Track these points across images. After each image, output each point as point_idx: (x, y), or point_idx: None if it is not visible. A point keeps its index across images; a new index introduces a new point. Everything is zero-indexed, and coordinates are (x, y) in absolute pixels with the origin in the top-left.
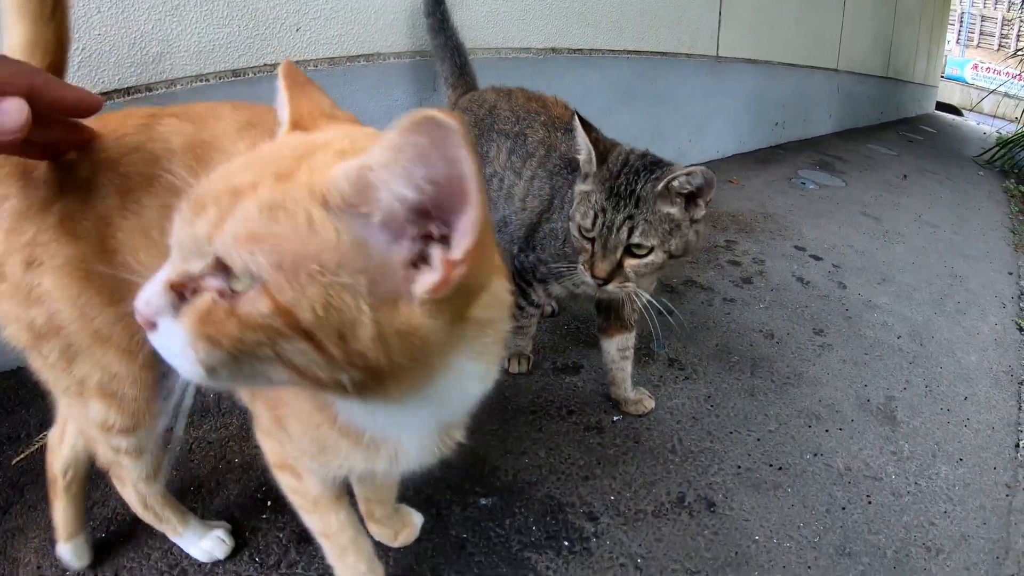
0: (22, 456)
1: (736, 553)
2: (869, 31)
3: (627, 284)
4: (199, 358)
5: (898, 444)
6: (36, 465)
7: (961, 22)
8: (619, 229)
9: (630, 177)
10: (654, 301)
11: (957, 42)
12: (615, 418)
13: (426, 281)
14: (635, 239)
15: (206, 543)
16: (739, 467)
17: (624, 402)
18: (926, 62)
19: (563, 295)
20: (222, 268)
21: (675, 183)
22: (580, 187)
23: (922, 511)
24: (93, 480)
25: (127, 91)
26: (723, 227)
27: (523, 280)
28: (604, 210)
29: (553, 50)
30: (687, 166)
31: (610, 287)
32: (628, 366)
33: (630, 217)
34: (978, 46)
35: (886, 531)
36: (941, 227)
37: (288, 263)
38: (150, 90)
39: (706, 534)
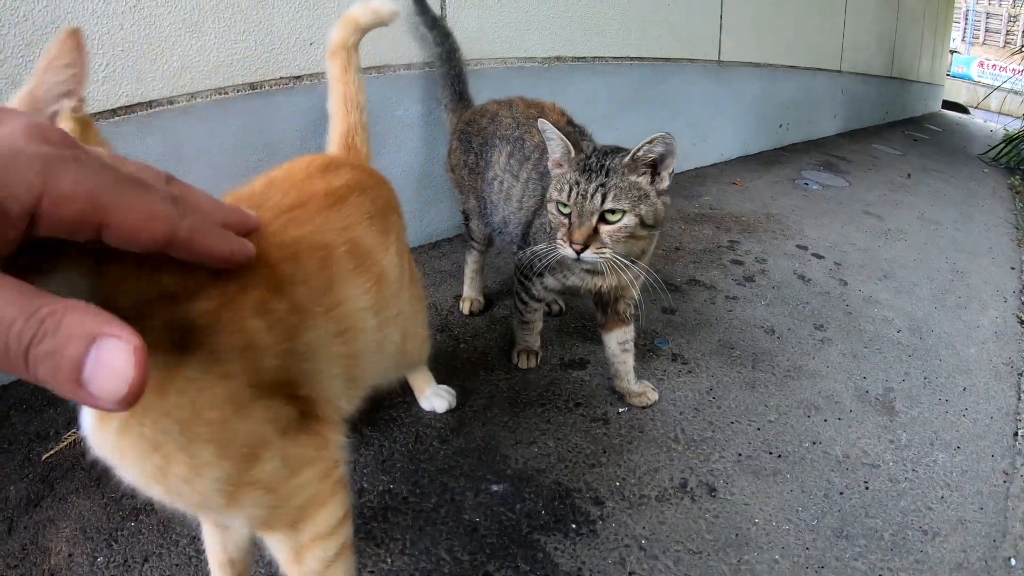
0: (51, 452)
1: (736, 535)
2: (872, 32)
3: (604, 250)
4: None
5: (896, 433)
6: (65, 461)
7: (966, 20)
8: (592, 196)
9: (600, 156)
10: (648, 274)
11: (963, 40)
12: (620, 410)
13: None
14: (608, 204)
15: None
16: (740, 455)
17: (628, 394)
18: (931, 61)
19: (557, 287)
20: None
21: (640, 153)
22: (555, 172)
23: (919, 496)
24: None
25: (149, 104)
26: (726, 228)
27: (523, 275)
28: (578, 183)
29: (558, 58)
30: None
31: (587, 254)
32: (629, 359)
33: (602, 185)
34: (984, 43)
35: (883, 515)
36: (944, 224)
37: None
38: (171, 103)
39: (707, 517)
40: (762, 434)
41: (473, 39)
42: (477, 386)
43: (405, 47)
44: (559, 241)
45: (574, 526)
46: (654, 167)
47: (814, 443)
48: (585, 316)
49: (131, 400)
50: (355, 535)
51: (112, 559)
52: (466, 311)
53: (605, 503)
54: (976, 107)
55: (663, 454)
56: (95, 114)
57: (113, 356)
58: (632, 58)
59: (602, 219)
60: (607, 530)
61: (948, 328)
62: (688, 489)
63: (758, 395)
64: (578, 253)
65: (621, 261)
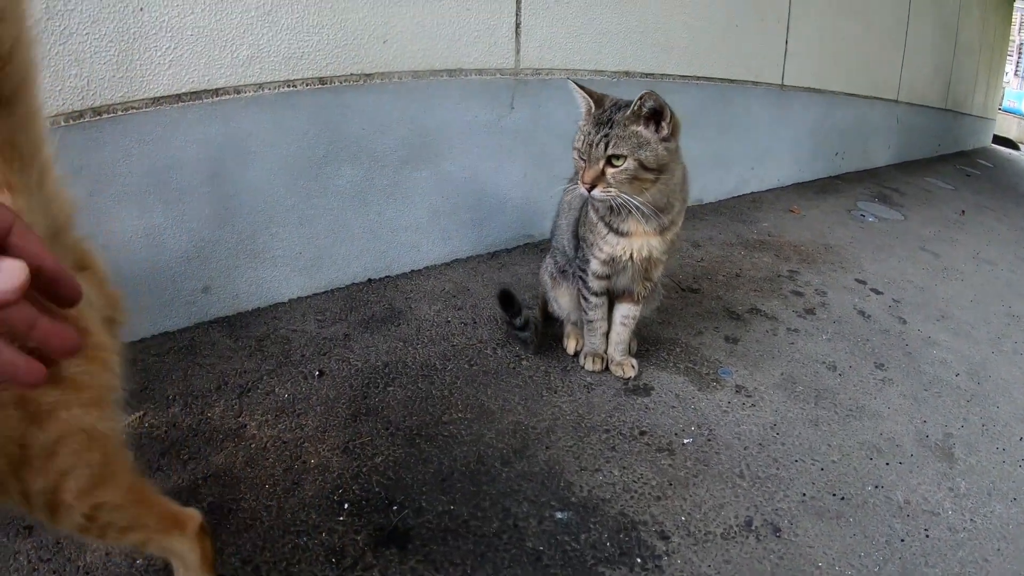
0: None
1: None
2: (929, 62)
3: (610, 189)
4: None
5: (955, 481)
6: None
7: (1020, 54)
8: (598, 145)
9: (611, 111)
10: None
11: (1015, 74)
12: (686, 440)
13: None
14: (610, 151)
15: None
16: (804, 495)
17: (611, 360)
18: (984, 94)
19: (601, 270)
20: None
21: (635, 107)
22: (579, 124)
23: (977, 548)
24: (165, 472)
25: (216, 91)
26: (785, 257)
27: (581, 271)
28: (589, 133)
29: (626, 73)
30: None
31: (596, 192)
32: (625, 333)
33: (606, 136)
34: None
35: (942, 565)
36: (999, 265)
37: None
38: (239, 92)
39: (772, 558)
40: (826, 475)
41: (544, 48)
42: (540, 407)
43: (478, 52)
44: (578, 182)
45: (639, 560)
46: (657, 119)
47: (876, 487)
48: (649, 341)
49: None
50: (413, 556)
51: (152, 563)
52: (570, 350)
53: (671, 538)
54: None
55: (728, 490)
56: (158, 99)
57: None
58: (699, 77)
59: (609, 163)
60: (673, 566)
61: (1005, 374)
62: (753, 528)
63: (821, 433)
64: (589, 191)
65: (635, 204)
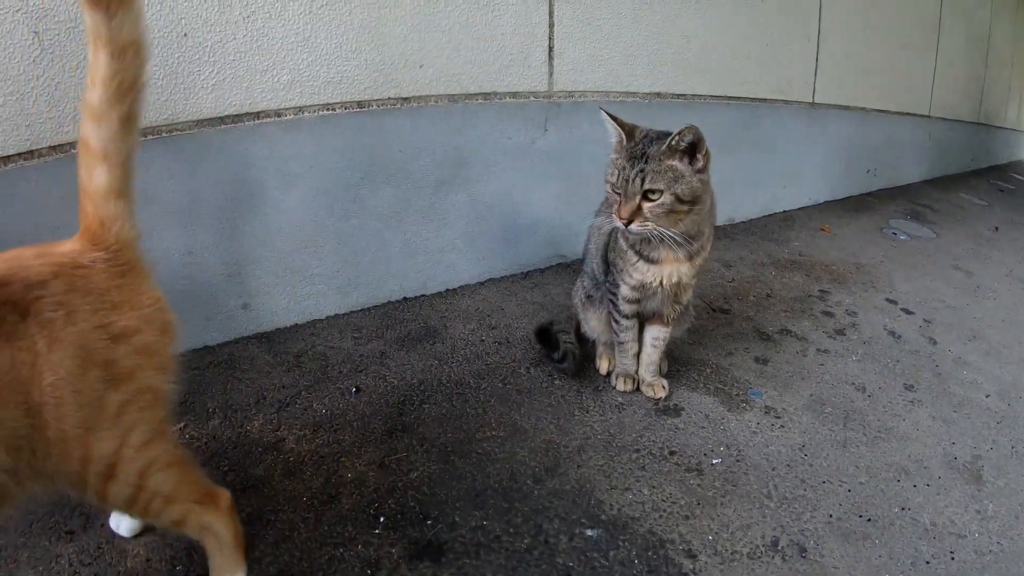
0: None
1: None
2: (961, 76)
3: (646, 223)
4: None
5: (983, 503)
6: None
7: None
8: (634, 180)
9: (644, 144)
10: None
11: None
12: (714, 461)
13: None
14: (646, 186)
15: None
16: (830, 516)
17: (642, 381)
18: (1018, 106)
19: (631, 295)
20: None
21: (673, 142)
22: (611, 156)
23: (1003, 571)
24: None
25: (257, 115)
26: (816, 277)
27: (612, 294)
28: (624, 168)
29: (658, 95)
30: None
31: (633, 227)
32: (655, 355)
33: (641, 171)
34: None
35: None
36: None
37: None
38: (279, 115)
39: None
40: (853, 496)
41: (577, 71)
42: (572, 426)
43: (512, 76)
44: (613, 216)
45: None
46: (692, 151)
47: (903, 509)
48: (680, 361)
49: None
50: (447, 570)
51: (191, 570)
52: (603, 371)
53: (698, 556)
54: None
55: (756, 510)
56: (201, 121)
57: None
58: (730, 97)
59: (645, 197)
60: None
61: None
62: (779, 548)
63: (849, 455)
64: (626, 225)
65: (669, 235)
